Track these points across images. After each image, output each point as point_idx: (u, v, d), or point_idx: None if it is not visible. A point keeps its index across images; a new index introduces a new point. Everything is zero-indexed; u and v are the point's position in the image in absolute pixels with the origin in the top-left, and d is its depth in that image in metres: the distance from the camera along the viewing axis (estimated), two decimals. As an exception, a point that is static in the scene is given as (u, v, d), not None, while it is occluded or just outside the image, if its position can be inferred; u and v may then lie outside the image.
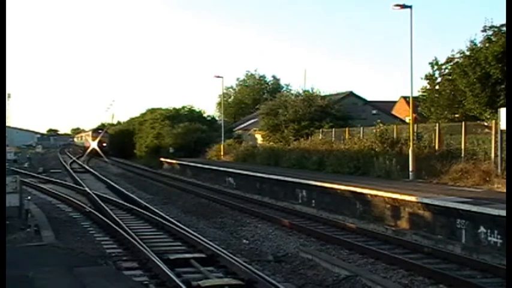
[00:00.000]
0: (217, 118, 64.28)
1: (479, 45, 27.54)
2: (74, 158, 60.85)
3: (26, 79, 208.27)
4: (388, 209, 17.23)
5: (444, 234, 14.63)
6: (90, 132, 79.17)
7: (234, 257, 11.53)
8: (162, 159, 49.75)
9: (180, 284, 9.35)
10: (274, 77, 77.01)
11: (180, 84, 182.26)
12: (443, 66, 30.84)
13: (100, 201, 20.80)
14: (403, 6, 23.21)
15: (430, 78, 31.88)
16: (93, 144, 70.27)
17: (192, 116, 56.85)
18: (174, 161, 45.45)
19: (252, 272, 10.12)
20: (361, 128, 30.29)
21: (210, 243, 12.98)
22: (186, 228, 15.16)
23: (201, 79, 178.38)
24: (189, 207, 22.32)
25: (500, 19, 31.28)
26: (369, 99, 49.10)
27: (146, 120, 63.58)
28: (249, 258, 12.46)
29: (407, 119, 38.05)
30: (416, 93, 31.91)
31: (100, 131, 75.62)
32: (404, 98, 50.03)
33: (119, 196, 24.88)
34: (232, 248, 13.66)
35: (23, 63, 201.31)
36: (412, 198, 16.08)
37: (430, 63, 31.53)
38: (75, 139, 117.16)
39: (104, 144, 71.38)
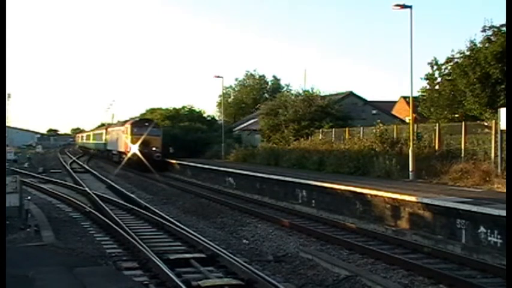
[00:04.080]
0: (217, 118, 64.30)
1: (479, 45, 27.53)
2: (74, 158, 60.80)
3: (26, 79, 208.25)
4: (388, 209, 17.22)
5: (444, 234, 14.62)
6: (128, 127, 44.79)
7: (234, 257, 11.53)
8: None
9: (180, 284, 9.34)
10: (274, 77, 77.20)
11: (180, 84, 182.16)
12: (443, 67, 30.84)
13: (100, 201, 20.80)
14: (403, 6, 23.23)
15: (430, 78, 31.87)
16: (134, 149, 41.84)
17: (192, 116, 56.83)
18: (174, 161, 45.42)
19: (252, 272, 10.12)
20: (361, 128, 30.33)
21: (210, 243, 12.98)
22: (186, 228, 15.16)
23: (201, 79, 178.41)
24: (189, 207, 22.31)
25: (500, 19, 31.31)
26: (369, 99, 49.24)
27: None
28: (249, 258, 12.47)
29: (407, 119, 38.05)
30: (416, 93, 31.95)
31: (146, 124, 44.77)
32: (404, 98, 50.04)
33: (119, 196, 24.87)
34: (232, 248, 13.66)
35: (23, 63, 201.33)
36: (412, 198, 16.08)
37: (429, 64, 31.55)
38: (78, 139, 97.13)
39: (155, 149, 42.67)
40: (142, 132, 42.75)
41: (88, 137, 77.82)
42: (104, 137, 58.03)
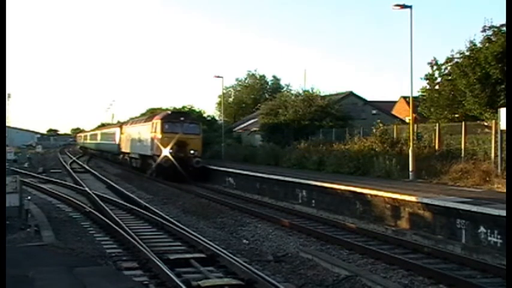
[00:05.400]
0: (217, 118, 64.27)
1: (479, 45, 27.53)
2: (74, 158, 60.73)
3: (26, 79, 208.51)
4: (388, 209, 17.22)
5: (444, 234, 14.63)
6: (157, 123, 34.36)
7: (234, 257, 11.52)
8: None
9: (180, 284, 9.34)
10: (274, 77, 77.18)
11: (180, 84, 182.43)
12: (443, 67, 30.86)
13: (100, 201, 20.78)
14: (403, 6, 23.24)
15: (430, 78, 31.88)
16: (165, 152, 32.47)
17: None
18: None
19: (252, 272, 10.11)
20: (361, 128, 30.33)
21: (210, 243, 12.97)
22: (186, 228, 15.14)
23: (201, 79, 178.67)
24: (189, 207, 22.30)
25: (500, 19, 31.34)
26: (369, 99, 49.31)
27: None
28: (249, 258, 12.45)
29: (407, 119, 38.07)
30: (416, 93, 31.97)
31: (182, 118, 34.39)
32: (404, 98, 50.06)
33: (119, 196, 24.84)
34: (232, 248, 13.65)
35: (23, 63, 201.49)
36: (412, 198, 16.08)
37: (429, 64, 31.57)
38: (80, 139, 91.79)
39: (193, 152, 33.00)
40: (176, 129, 33.30)
41: (93, 136, 66.30)
42: (117, 137, 48.09)
